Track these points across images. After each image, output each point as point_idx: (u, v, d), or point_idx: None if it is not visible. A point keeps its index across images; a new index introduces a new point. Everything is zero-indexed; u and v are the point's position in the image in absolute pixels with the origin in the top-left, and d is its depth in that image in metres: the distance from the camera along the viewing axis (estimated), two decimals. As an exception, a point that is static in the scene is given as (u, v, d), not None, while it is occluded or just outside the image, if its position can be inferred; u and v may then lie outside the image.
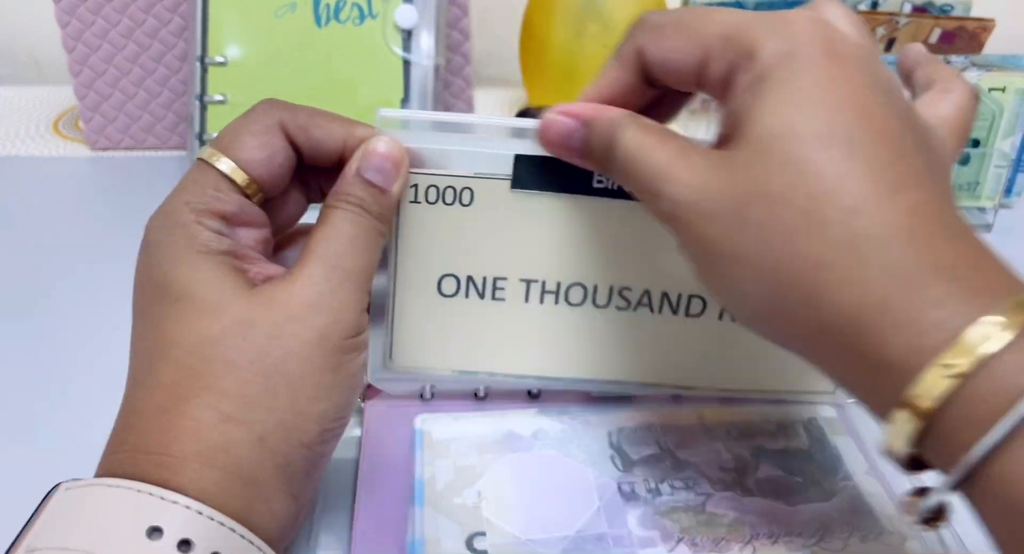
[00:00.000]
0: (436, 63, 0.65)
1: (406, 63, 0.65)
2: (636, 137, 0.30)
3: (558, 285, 0.37)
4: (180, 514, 0.25)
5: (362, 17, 0.65)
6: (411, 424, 0.39)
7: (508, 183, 0.34)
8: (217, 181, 0.32)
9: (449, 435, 0.38)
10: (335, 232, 0.31)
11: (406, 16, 0.64)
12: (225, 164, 0.32)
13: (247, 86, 0.64)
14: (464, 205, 0.35)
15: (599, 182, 0.34)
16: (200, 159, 0.32)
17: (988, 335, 0.21)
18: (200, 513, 0.26)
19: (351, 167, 0.32)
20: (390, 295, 0.37)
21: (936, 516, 0.24)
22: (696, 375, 0.40)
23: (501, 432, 0.39)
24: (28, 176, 0.68)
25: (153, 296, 0.30)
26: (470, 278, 0.37)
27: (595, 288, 0.37)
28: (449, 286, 0.37)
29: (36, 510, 0.27)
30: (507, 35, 0.78)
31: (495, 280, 0.37)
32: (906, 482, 0.36)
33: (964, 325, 0.22)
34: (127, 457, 0.27)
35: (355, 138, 0.33)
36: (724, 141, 0.28)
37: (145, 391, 0.29)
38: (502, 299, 0.37)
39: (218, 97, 0.64)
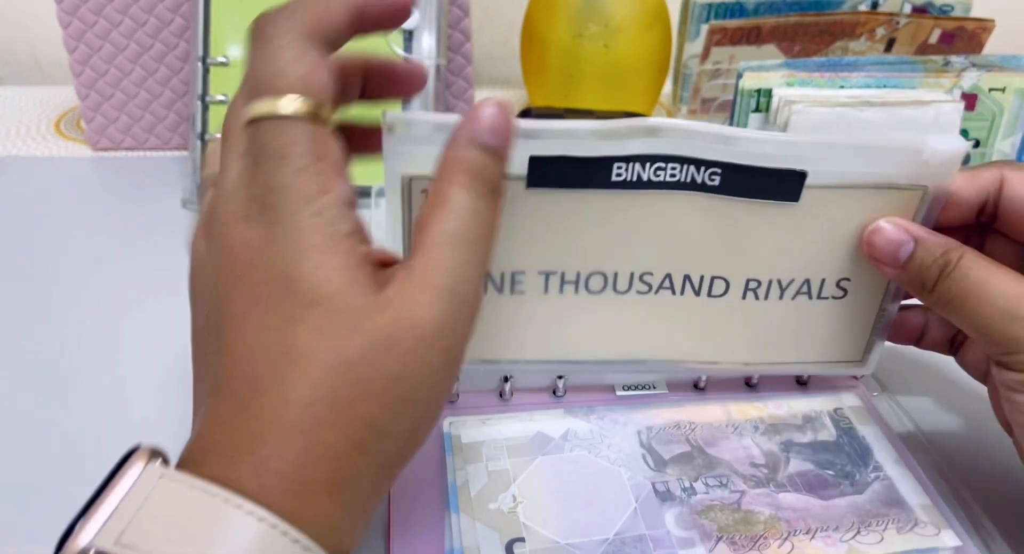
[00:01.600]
0: (437, 63, 0.65)
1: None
2: (977, 266, 0.32)
3: (577, 275, 0.37)
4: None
5: (363, 17, 0.65)
6: (439, 426, 0.39)
7: (522, 183, 0.34)
8: (339, 161, 0.28)
9: (478, 438, 0.39)
10: (463, 231, 0.28)
11: (407, 16, 0.64)
12: (336, 146, 0.28)
13: (249, 86, 0.64)
14: None
15: (618, 175, 0.34)
16: (301, 115, 0.27)
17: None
18: None
19: (462, 133, 0.29)
20: None
21: None
22: (720, 351, 0.40)
23: (530, 434, 0.39)
24: (29, 176, 0.68)
25: (277, 290, 0.27)
26: (488, 275, 0.36)
27: (615, 275, 0.37)
28: None
29: (113, 478, 0.25)
30: (508, 35, 0.78)
31: (513, 274, 0.36)
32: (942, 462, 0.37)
33: None
34: (254, 472, 0.25)
35: (377, 64, 0.33)
36: None
37: (278, 403, 0.26)
38: (521, 292, 0.37)
39: (220, 97, 0.63)
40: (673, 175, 0.33)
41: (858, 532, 0.34)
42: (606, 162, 0.33)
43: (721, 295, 0.38)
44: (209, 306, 0.28)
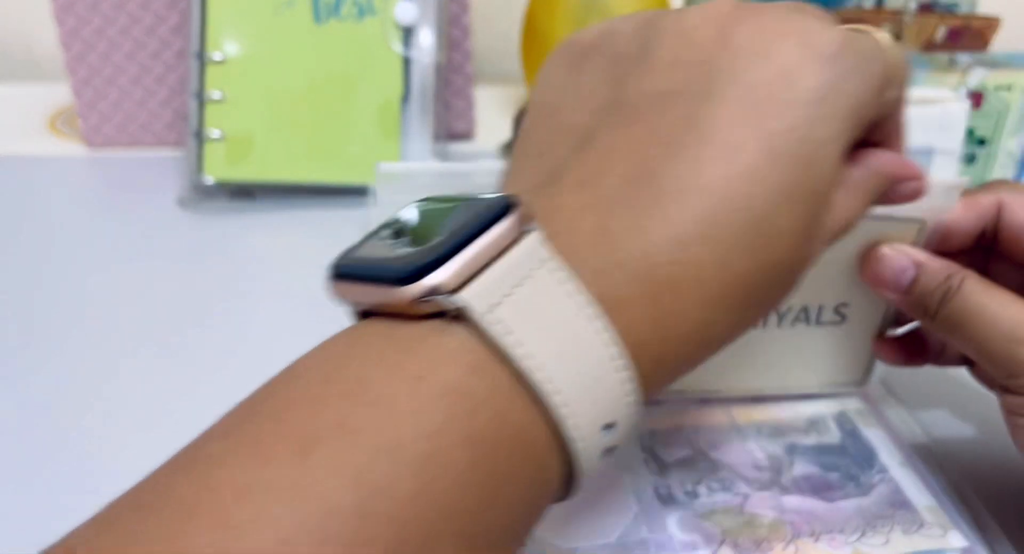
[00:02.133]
0: (436, 60, 0.65)
1: (406, 60, 0.64)
2: (978, 290, 0.31)
3: None
4: (626, 409, 0.22)
5: (362, 14, 0.64)
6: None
7: None
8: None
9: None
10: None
11: (406, 13, 0.64)
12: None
13: (245, 83, 0.63)
14: None
15: None
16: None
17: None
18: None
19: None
20: None
21: None
22: (720, 380, 0.40)
23: (531, 435, 0.38)
24: (25, 174, 0.67)
25: (795, 151, 0.23)
26: None
27: None
28: None
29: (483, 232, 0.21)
30: (508, 31, 0.78)
31: None
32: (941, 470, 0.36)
33: None
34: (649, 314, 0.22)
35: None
36: None
37: (638, 233, 0.22)
38: None
39: (216, 94, 0.63)
40: None
41: (863, 534, 0.33)
42: None
43: None
44: (692, 87, 0.24)
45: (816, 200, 0.24)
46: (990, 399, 0.40)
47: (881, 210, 0.33)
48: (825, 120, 0.23)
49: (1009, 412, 0.32)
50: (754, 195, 0.22)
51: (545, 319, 0.20)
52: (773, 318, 0.37)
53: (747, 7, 0.25)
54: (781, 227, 0.23)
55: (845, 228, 0.26)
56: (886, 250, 0.34)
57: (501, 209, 0.21)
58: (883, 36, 0.26)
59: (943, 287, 0.32)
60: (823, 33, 0.24)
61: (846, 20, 0.64)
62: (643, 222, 0.22)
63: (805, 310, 0.37)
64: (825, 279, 0.36)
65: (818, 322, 0.38)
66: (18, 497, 0.36)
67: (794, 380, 0.40)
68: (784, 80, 0.23)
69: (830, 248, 0.34)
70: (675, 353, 0.23)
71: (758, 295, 0.24)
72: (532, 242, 0.21)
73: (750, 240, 0.22)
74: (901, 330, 0.38)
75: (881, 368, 0.40)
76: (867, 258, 0.35)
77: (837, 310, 0.37)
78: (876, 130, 0.27)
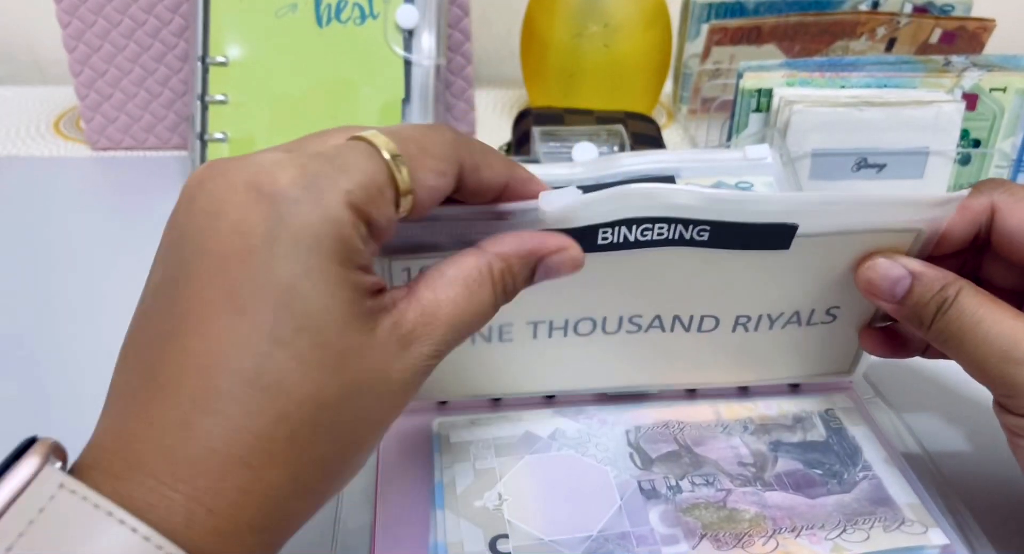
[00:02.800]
0: (437, 63, 0.66)
1: (407, 63, 0.65)
2: (974, 303, 0.31)
3: (566, 322, 0.37)
4: None
5: (363, 17, 0.65)
6: (428, 427, 0.39)
7: None
8: (385, 187, 0.26)
9: (467, 438, 0.38)
10: (471, 319, 0.29)
11: (407, 16, 0.64)
12: (403, 175, 0.26)
13: (248, 86, 0.64)
14: None
15: (604, 239, 0.32)
16: (374, 148, 0.26)
17: None
18: None
19: (533, 245, 0.30)
20: None
21: None
22: (710, 375, 0.40)
23: (518, 434, 0.39)
24: (29, 176, 0.68)
25: (270, 302, 0.23)
26: None
27: (604, 319, 0.37)
28: None
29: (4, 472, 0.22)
30: (508, 35, 0.78)
31: (501, 326, 0.36)
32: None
33: None
34: (186, 505, 0.23)
35: (517, 182, 0.31)
36: None
37: (230, 431, 0.23)
38: (510, 340, 0.37)
39: (219, 97, 0.64)
40: (661, 234, 0.33)
41: (844, 530, 0.34)
42: (591, 229, 0.32)
43: (711, 330, 0.38)
44: (175, 272, 0.25)
45: (324, 339, 0.24)
46: (975, 400, 0.40)
47: (877, 220, 0.33)
48: (287, 257, 0.23)
49: (1011, 433, 0.32)
50: (253, 364, 0.23)
51: (69, 539, 0.21)
52: (765, 322, 0.38)
53: (218, 164, 0.25)
54: (284, 380, 0.23)
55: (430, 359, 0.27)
56: (881, 260, 0.33)
57: (23, 447, 0.23)
58: (379, 138, 0.26)
59: (939, 298, 0.32)
60: (271, 171, 0.24)
61: (842, 22, 0.64)
62: (150, 413, 0.23)
63: (797, 314, 0.37)
64: (818, 287, 0.36)
65: (809, 323, 0.38)
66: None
67: (782, 371, 0.40)
68: (236, 233, 0.24)
69: (823, 260, 0.35)
70: (236, 519, 0.23)
71: (301, 445, 0.24)
72: (47, 472, 0.22)
73: (253, 399, 0.23)
74: (887, 322, 0.39)
75: (868, 364, 0.41)
76: (861, 267, 0.34)
77: (829, 311, 0.38)
78: (477, 196, 0.30)
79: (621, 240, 0.33)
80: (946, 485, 0.37)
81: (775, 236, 0.33)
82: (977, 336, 0.31)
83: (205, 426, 0.23)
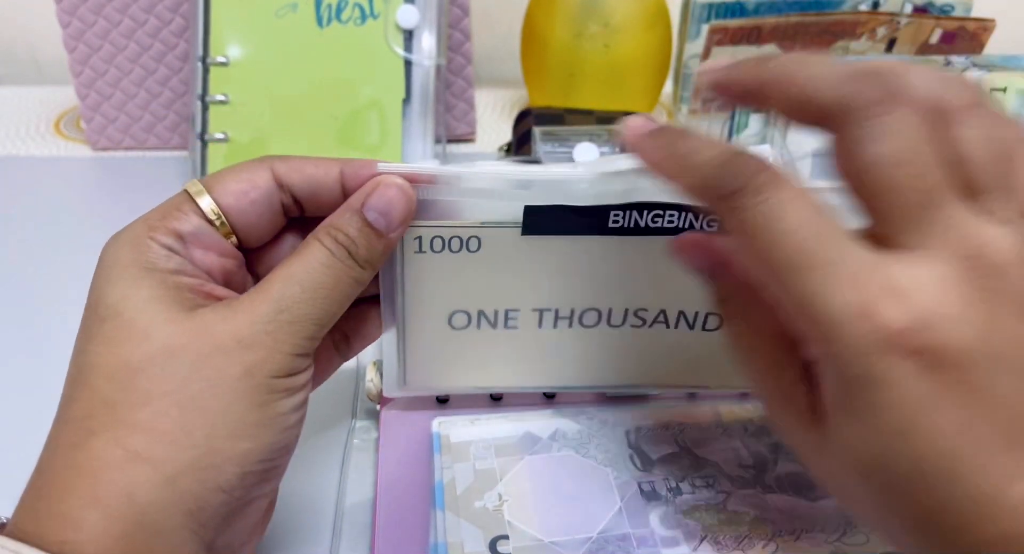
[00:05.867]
0: (437, 63, 0.65)
1: (407, 63, 0.65)
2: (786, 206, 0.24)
3: (571, 312, 0.37)
4: None
5: (363, 17, 0.65)
6: (428, 427, 0.39)
7: (518, 230, 0.33)
8: (182, 202, 0.30)
9: (467, 438, 0.38)
10: (304, 274, 0.29)
11: (407, 16, 0.64)
12: (195, 188, 0.31)
13: (249, 86, 0.64)
14: (471, 251, 0.34)
15: (615, 222, 0.33)
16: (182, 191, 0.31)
17: None
18: None
19: (352, 201, 0.31)
20: (399, 328, 0.36)
21: None
22: (713, 377, 0.40)
23: (519, 434, 0.39)
24: (29, 176, 0.68)
25: (86, 316, 0.29)
26: (481, 312, 0.36)
27: (609, 311, 0.37)
28: (460, 320, 0.36)
29: None
30: (508, 35, 0.78)
31: (507, 311, 0.36)
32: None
33: None
34: (33, 508, 0.26)
35: (351, 169, 0.31)
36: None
37: (60, 425, 0.27)
38: (515, 327, 0.37)
39: (220, 97, 0.64)
40: (671, 222, 0.33)
41: (844, 533, 0.34)
42: (602, 210, 0.32)
43: (715, 329, 0.38)
44: None
45: (125, 321, 0.28)
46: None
47: None
48: (96, 278, 0.30)
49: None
50: (74, 363, 0.29)
51: None
52: None
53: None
54: (93, 363, 0.28)
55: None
56: (633, 119, 0.29)
57: None
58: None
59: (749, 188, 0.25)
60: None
61: (843, 23, 0.64)
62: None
63: None
64: None
65: None
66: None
67: None
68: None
69: None
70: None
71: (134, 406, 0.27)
72: None
73: (75, 383, 0.28)
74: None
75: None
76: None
77: None
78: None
79: (632, 225, 0.33)
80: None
81: None
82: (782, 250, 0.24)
83: (50, 435, 0.28)
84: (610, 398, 0.41)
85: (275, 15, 0.64)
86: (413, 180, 0.31)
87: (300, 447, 0.40)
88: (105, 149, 0.72)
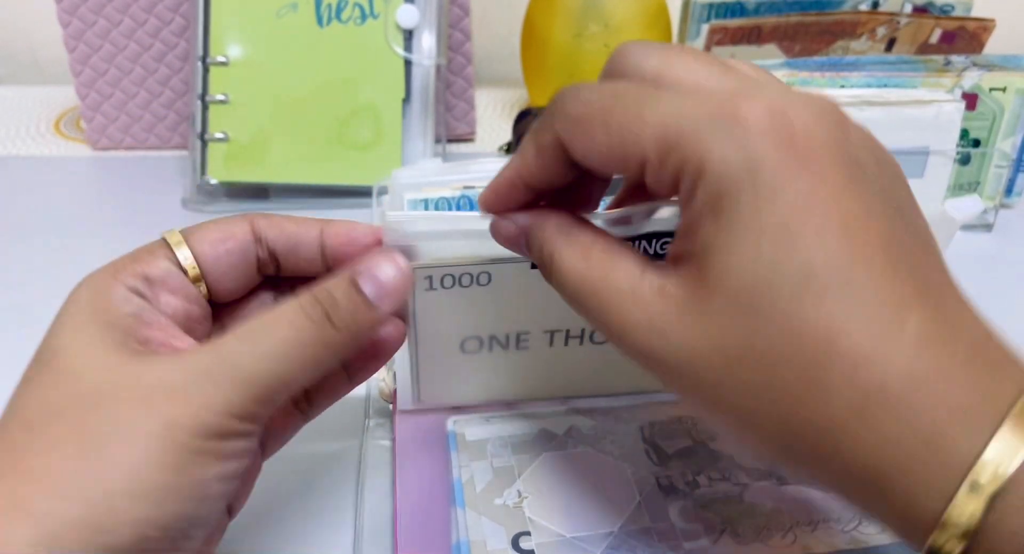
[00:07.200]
0: (437, 63, 0.66)
1: (407, 63, 0.65)
2: (573, 269, 0.27)
3: (582, 331, 0.37)
4: None
5: (363, 17, 0.65)
6: (443, 426, 0.39)
7: (527, 264, 0.32)
8: (156, 247, 0.30)
9: (483, 435, 0.39)
10: (269, 329, 0.26)
11: (408, 16, 0.64)
12: (173, 236, 0.30)
13: (249, 86, 0.64)
14: (482, 285, 0.33)
15: None
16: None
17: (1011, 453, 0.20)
18: None
19: (346, 269, 0.29)
20: (412, 354, 0.36)
21: None
22: None
23: (534, 431, 0.39)
24: (29, 176, 0.68)
25: (34, 358, 0.27)
26: (493, 337, 0.36)
27: None
28: (472, 346, 0.36)
29: None
30: (508, 35, 0.78)
31: (518, 334, 0.36)
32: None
33: (985, 450, 0.20)
34: None
35: (332, 229, 0.31)
36: (685, 261, 0.24)
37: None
38: (526, 348, 0.37)
39: (220, 97, 0.64)
40: None
41: (860, 523, 0.34)
42: None
43: None
44: None
45: (65, 364, 0.26)
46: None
47: None
48: (54, 324, 0.28)
49: None
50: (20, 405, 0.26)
51: None
52: None
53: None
54: (29, 411, 0.26)
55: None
56: (497, 219, 0.29)
57: None
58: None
59: (547, 257, 0.28)
60: None
61: (843, 22, 0.65)
62: None
63: None
64: None
65: None
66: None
67: None
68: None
69: None
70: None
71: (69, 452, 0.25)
72: None
73: (17, 435, 0.25)
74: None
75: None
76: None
77: None
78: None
79: (652, 253, 0.32)
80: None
81: None
82: (584, 298, 0.27)
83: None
84: (623, 394, 0.41)
85: (275, 15, 0.64)
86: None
87: (315, 445, 0.40)
88: (105, 149, 0.72)
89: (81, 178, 0.69)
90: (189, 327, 0.30)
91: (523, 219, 0.29)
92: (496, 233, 0.30)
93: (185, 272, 0.30)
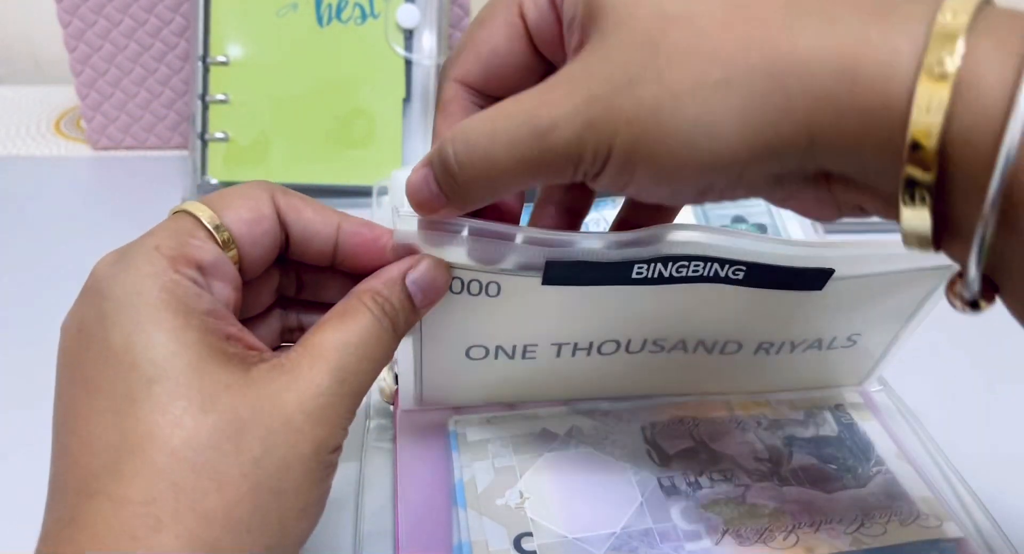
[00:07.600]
0: (438, 63, 0.66)
1: (408, 63, 0.65)
2: (462, 127, 0.28)
3: (590, 344, 0.36)
4: None
5: (364, 17, 0.65)
6: (444, 426, 0.39)
7: (538, 278, 0.32)
8: (194, 228, 0.28)
9: (484, 436, 0.39)
10: (359, 340, 0.27)
11: (408, 16, 0.64)
12: (205, 213, 0.28)
13: (249, 85, 0.64)
14: (491, 296, 0.33)
15: (639, 273, 0.32)
16: (177, 210, 0.29)
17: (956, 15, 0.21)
18: None
19: (396, 270, 0.30)
20: (416, 356, 0.36)
21: (982, 297, 0.22)
22: (727, 386, 0.41)
23: (535, 431, 0.39)
24: (29, 176, 0.68)
25: (115, 368, 0.24)
26: (499, 347, 0.36)
27: (628, 341, 0.36)
28: (477, 353, 0.36)
29: None
30: (507, 34, 0.78)
31: (525, 346, 0.36)
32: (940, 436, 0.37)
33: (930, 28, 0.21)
34: None
35: (351, 226, 0.31)
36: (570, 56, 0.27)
37: (112, 504, 0.23)
38: (532, 358, 0.37)
39: (220, 96, 0.64)
40: (696, 271, 0.32)
41: (862, 524, 0.34)
42: (626, 264, 0.31)
43: (733, 353, 0.38)
44: (56, 390, 0.26)
45: (182, 384, 0.24)
46: (984, 392, 0.41)
47: (910, 263, 0.33)
48: (116, 324, 0.25)
49: None
50: (117, 431, 0.24)
51: None
52: (787, 347, 0.38)
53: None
54: (153, 433, 0.24)
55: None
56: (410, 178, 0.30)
57: None
58: (184, 203, 0.29)
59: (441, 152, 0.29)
60: (95, 269, 0.28)
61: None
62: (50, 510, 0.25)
63: (819, 341, 0.38)
64: (844, 319, 0.37)
65: (830, 347, 0.38)
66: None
67: (795, 384, 0.41)
68: (78, 332, 0.26)
69: (854, 298, 0.35)
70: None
71: (190, 494, 0.24)
72: None
73: (127, 465, 0.23)
74: None
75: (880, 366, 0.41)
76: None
77: (850, 338, 0.38)
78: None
79: (656, 276, 0.32)
80: (958, 477, 0.37)
81: (810, 279, 0.33)
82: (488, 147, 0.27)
83: (87, 512, 0.23)
84: (624, 395, 0.41)
85: (275, 15, 0.64)
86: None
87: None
88: (105, 149, 0.72)
89: (81, 178, 0.69)
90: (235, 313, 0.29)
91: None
92: (410, 193, 0.30)
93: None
